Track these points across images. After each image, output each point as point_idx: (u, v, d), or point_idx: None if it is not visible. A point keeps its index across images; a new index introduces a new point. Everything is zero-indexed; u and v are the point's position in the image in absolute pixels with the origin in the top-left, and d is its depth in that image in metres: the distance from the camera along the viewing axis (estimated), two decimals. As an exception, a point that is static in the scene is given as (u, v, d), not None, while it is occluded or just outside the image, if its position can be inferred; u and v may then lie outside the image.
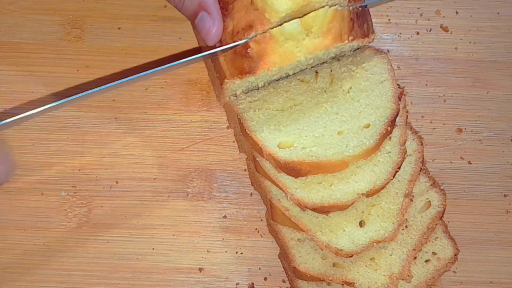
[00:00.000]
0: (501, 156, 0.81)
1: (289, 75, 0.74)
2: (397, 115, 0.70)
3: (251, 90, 0.74)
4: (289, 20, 0.66)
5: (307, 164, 0.66)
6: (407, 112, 0.75)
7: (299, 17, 0.66)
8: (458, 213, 0.79)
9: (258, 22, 0.65)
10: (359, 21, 0.69)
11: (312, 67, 0.75)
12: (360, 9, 0.69)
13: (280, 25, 0.66)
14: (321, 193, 0.68)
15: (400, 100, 0.72)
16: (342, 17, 0.67)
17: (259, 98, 0.73)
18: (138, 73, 0.65)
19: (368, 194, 0.68)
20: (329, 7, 0.67)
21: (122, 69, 0.81)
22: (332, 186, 0.68)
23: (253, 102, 0.72)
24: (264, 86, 0.74)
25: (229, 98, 0.73)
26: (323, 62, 0.75)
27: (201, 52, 0.80)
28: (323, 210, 0.68)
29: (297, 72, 0.74)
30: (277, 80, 0.74)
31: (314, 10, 0.66)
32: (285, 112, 0.71)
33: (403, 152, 0.70)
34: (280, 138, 0.69)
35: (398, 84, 0.73)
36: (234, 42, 0.67)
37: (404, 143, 0.71)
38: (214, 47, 0.68)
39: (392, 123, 0.69)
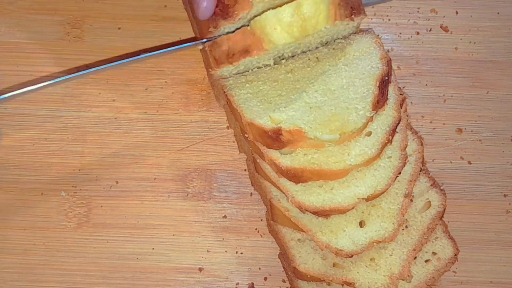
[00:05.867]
0: (501, 156, 0.81)
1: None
2: (399, 122, 0.70)
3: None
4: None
5: (309, 171, 0.66)
6: (407, 116, 0.75)
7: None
8: (458, 213, 0.79)
9: (255, 48, 0.66)
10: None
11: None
12: None
13: None
14: (321, 197, 0.68)
15: (401, 107, 0.71)
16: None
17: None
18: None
19: (369, 198, 0.68)
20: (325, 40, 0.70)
21: (122, 69, 0.81)
22: (333, 190, 0.68)
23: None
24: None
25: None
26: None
27: (200, 51, 0.81)
28: (323, 213, 0.68)
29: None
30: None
31: (312, 41, 0.69)
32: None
33: (403, 157, 0.70)
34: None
35: (399, 87, 0.73)
36: (229, 63, 0.68)
37: (405, 148, 0.71)
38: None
39: (394, 131, 0.69)
